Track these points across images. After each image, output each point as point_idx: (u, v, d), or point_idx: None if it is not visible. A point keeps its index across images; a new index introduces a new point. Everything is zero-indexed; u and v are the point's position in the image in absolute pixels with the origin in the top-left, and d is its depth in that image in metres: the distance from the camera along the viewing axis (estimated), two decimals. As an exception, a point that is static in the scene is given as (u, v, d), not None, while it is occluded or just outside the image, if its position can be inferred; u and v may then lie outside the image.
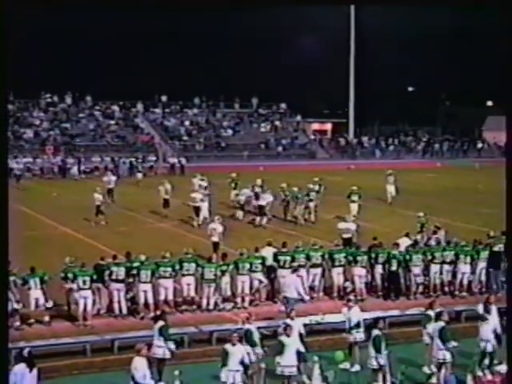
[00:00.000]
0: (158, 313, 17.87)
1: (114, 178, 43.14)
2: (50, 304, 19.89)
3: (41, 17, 79.14)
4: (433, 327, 16.02)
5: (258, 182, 37.88)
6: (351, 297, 18.88)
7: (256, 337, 15.94)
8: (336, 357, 16.51)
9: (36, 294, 19.69)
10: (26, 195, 46.09)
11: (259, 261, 21.95)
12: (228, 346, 14.93)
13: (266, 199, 35.35)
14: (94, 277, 20.13)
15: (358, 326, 17.04)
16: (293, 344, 15.25)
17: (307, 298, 20.97)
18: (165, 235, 32.45)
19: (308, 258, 22.46)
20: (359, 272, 22.51)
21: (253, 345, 15.63)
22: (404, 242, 24.14)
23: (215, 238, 27.25)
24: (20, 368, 13.78)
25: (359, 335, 17.06)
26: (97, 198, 35.85)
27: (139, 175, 54.78)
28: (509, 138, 12.59)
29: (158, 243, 27.90)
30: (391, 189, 42.91)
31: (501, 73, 12.79)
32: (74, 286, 19.95)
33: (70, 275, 20.00)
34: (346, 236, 27.38)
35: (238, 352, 14.82)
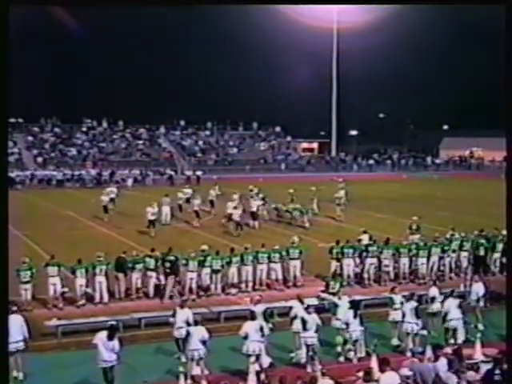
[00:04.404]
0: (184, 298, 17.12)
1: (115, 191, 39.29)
2: None
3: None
4: (409, 306, 15.83)
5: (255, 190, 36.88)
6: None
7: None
8: (336, 340, 15.86)
9: None
10: (70, 201, 46.16)
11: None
12: (190, 327, 14.23)
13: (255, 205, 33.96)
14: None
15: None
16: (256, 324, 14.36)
17: None
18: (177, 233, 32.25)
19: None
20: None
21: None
22: (364, 239, 23.74)
23: None
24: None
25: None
26: (149, 211, 31.33)
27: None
28: (509, 143, 12.25)
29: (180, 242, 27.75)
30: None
31: (500, 79, 12.41)
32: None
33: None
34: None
35: (199, 331, 14.00)
